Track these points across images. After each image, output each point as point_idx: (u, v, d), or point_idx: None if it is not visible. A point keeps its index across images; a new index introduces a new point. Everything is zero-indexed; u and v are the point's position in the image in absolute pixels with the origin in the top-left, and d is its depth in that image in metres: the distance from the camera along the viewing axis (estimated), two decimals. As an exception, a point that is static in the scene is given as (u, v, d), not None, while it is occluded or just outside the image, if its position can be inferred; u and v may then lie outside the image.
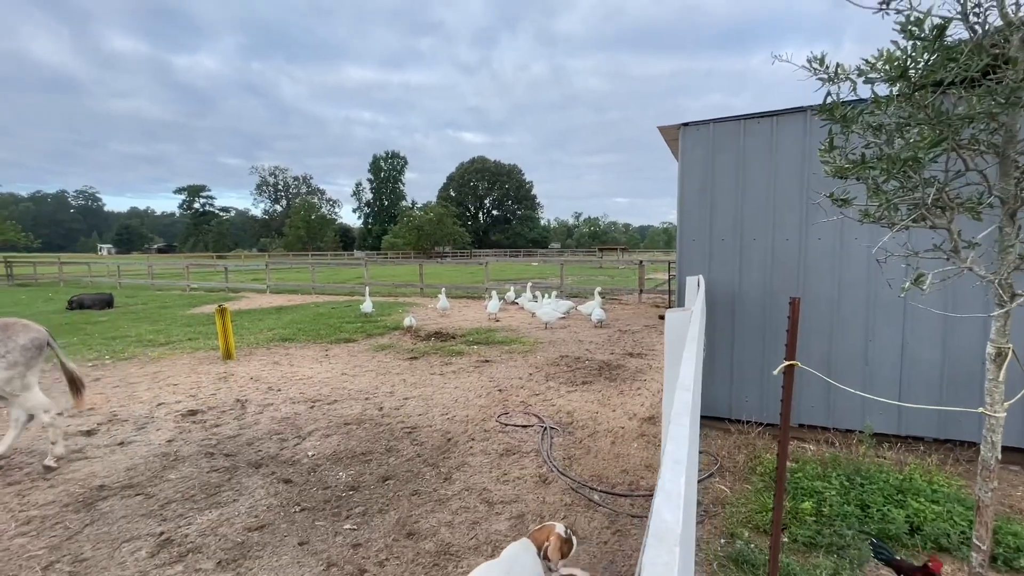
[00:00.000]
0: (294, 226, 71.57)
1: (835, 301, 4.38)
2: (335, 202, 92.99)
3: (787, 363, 2.23)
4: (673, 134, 4.99)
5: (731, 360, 4.77)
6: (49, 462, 4.22)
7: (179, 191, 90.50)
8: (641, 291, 16.01)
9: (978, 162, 1.85)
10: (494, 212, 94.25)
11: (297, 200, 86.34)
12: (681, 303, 4.68)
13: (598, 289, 12.05)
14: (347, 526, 3.32)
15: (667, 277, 16.46)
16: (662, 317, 12.52)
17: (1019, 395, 1.96)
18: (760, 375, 4.65)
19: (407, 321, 10.17)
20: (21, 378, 4.13)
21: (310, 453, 4.49)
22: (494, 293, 12.96)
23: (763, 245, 4.60)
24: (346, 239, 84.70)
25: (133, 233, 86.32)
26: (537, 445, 4.62)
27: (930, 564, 2.24)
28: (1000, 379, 1.82)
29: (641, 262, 17.43)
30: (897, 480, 3.37)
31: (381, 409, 5.68)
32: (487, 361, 7.94)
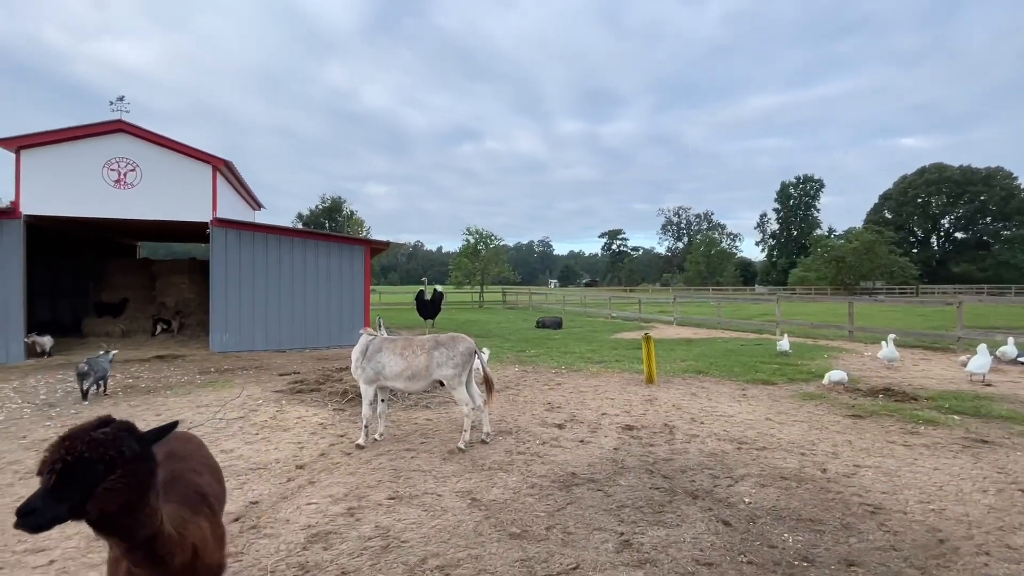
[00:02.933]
0: (694, 261, 73.75)
1: None
2: (736, 236, 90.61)
3: None
4: None
5: None
6: (460, 445, 5.38)
7: (602, 235, 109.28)
8: None
9: None
10: (957, 235, 69.70)
11: (698, 236, 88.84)
12: None
13: None
14: (808, 605, 2.84)
15: None
16: None
17: None
18: None
19: (835, 376, 8.22)
20: (459, 376, 5.51)
21: (746, 500, 4.20)
22: (983, 347, 9.26)
23: None
24: (747, 273, 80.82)
25: (570, 271, 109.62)
26: None
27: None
28: None
29: None
30: None
31: (825, 472, 4.81)
32: (985, 442, 5.62)
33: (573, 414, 6.91)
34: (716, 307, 21.04)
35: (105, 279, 16.91)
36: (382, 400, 5.90)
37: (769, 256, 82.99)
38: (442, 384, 5.66)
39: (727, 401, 7.63)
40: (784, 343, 11.93)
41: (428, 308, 19.05)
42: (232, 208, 14.66)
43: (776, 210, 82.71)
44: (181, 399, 7.79)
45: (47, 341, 11.57)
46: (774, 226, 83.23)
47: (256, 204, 19.96)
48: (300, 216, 62.32)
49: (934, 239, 71.32)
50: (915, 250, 68.06)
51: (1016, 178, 65.06)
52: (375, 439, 5.75)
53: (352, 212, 62.63)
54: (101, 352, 8.31)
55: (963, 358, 9.91)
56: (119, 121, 12.03)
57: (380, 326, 8.62)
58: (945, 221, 70.08)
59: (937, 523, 3.78)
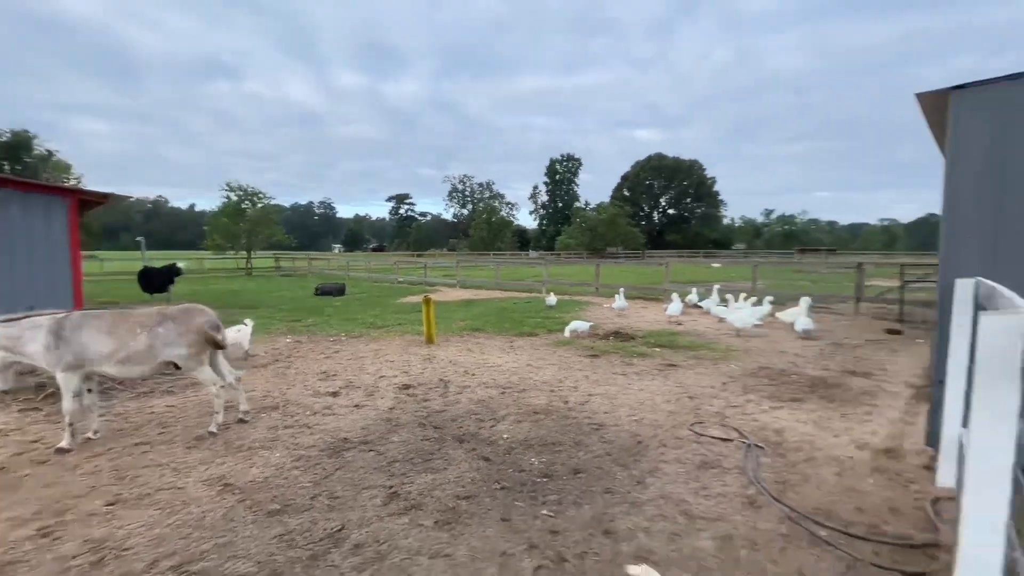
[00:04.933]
0: (477, 227, 78.21)
1: None
2: (513, 205, 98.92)
3: None
4: (939, 101, 3.99)
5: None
6: (212, 428, 4.76)
7: (389, 199, 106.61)
8: (860, 300, 13.45)
9: None
10: (670, 211, 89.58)
11: (481, 204, 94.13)
12: (944, 312, 3.74)
13: (804, 298, 10.45)
14: (544, 511, 3.40)
15: (899, 284, 13.50)
16: (891, 332, 10.32)
17: None
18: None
19: (573, 326, 9.70)
20: (197, 356, 4.69)
21: (504, 436, 4.75)
22: (675, 296, 12.23)
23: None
24: (522, 240, 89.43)
25: (356, 235, 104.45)
26: (740, 462, 4.15)
27: None
28: None
29: (860, 264, 14.62)
30: None
31: (567, 403, 5.75)
32: (673, 365, 7.49)
33: (350, 380, 6.73)
34: (495, 270, 22.84)
35: None
36: (89, 390, 4.73)
37: (540, 225, 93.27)
38: (177, 367, 4.76)
39: (497, 353, 8.43)
40: (551, 299, 13.92)
41: (153, 280, 15.81)
42: None
43: (546, 183, 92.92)
44: None
45: None
46: (544, 198, 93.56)
47: None
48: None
49: (656, 214, 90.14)
50: (643, 222, 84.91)
51: (706, 170, 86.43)
52: (89, 438, 4.62)
53: (50, 153, 47.35)
54: None
55: (666, 305, 12.92)
56: None
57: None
58: (663, 200, 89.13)
59: (637, 430, 4.91)
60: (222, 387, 4.92)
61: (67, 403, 4.43)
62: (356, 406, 5.65)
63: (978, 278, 3.52)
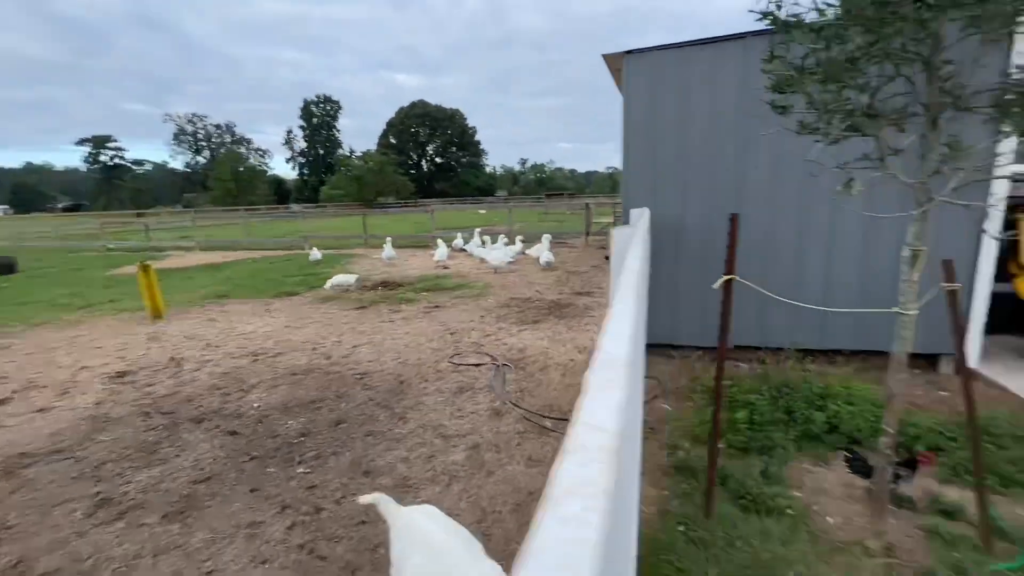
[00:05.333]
0: (220, 179, 66.34)
1: (770, 227, 4.58)
2: (265, 152, 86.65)
3: (727, 277, 2.31)
4: (617, 63, 4.88)
5: (675, 289, 4.95)
6: None
7: (81, 142, 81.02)
8: (588, 234, 16.22)
9: (904, 71, 1.90)
10: (437, 160, 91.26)
11: (222, 151, 79.67)
12: (626, 236, 4.75)
13: (546, 235, 12.08)
14: (300, 470, 3.27)
15: (612, 220, 16.73)
16: (608, 258, 12.80)
17: (929, 294, 2.13)
18: (701, 302, 4.86)
19: (336, 280, 9.27)
20: None
21: (256, 405, 4.34)
22: (440, 241, 12.72)
23: (704, 175, 4.69)
24: (281, 192, 79.76)
25: (32, 191, 77.31)
26: (490, 381, 4.69)
27: (919, 458, 2.49)
28: (914, 279, 1.96)
29: (588, 205, 17.56)
30: (819, 388, 3.68)
31: (329, 358, 5.54)
32: (437, 307, 7.87)
33: (29, 380, 5.14)
34: (246, 228, 19.92)
35: None
36: None
37: (301, 174, 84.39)
38: None
39: (249, 319, 7.51)
40: (315, 254, 13.06)
41: None
42: None
43: (302, 127, 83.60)
44: None
45: None
46: (302, 144, 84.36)
47: None
48: None
49: (424, 163, 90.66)
50: (413, 171, 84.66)
51: (467, 119, 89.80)
52: None
53: None
54: None
55: (433, 251, 13.36)
56: None
57: None
58: (430, 149, 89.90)
59: (401, 371, 5.07)
60: None
61: None
62: (39, 410, 4.38)
63: (645, 208, 4.56)
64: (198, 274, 12.32)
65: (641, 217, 3.42)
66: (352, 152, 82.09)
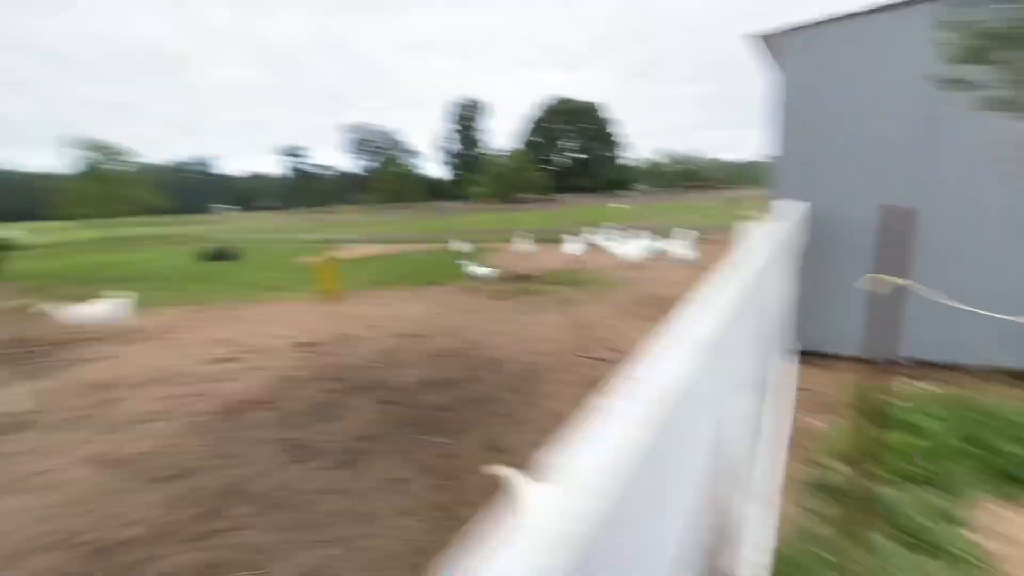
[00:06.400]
0: (384, 180, 74.88)
1: (960, 225, 3.84)
2: (420, 154, 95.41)
3: (887, 278, 2.05)
4: (771, 44, 4.48)
5: (835, 292, 4.42)
6: None
7: (281, 153, 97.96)
8: (733, 229, 14.99)
9: None
10: (577, 154, 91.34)
11: (385, 155, 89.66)
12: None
13: (685, 230, 11.48)
14: (439, 439, 3.68)
15: (758, 214, 15.21)
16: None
17: None
18: (868, 308, 4.26)
19: (477, 271, 10.07)
20: None
21: (408, 380, 4.94)
22: (577, 236, 12.85)
23: (877, 162, 4.10)
24: (433, 190, 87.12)
25: (247, 195, 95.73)
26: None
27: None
28: None
29: (734, 198, 16.19)
30: (1022, 418, 3.03)
31: (470, 343, 6.04)
32: (570, 300, 8.03)
33: (245, 345, 6.49)
34: (404, 224, 22.33)
35: None
36: None
37: (451, 174, 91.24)
38: None
39: (402, 304, 8.48)
40: (461, 247, 14.24)
41: None
42: None
43: (456, 130, 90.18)
44: None
45: None
46: (452, 146, 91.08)
47: None
48: None
49: (563, 157, 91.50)
50: (552, 167, 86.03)
51: (607, 112, 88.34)
52: None
53: None
54: None
55: (569, 246, 13.55)
56: None
57: None
58: (569, 143, 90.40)
59: (533, 360, 5.33)
60: None
61: None
62: (253, 368, 5.53)
63: (800, 202, 4.15)
64: (365, 264, 14.16)
65: (793, 212, 3.15)
66: (496, 151, 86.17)
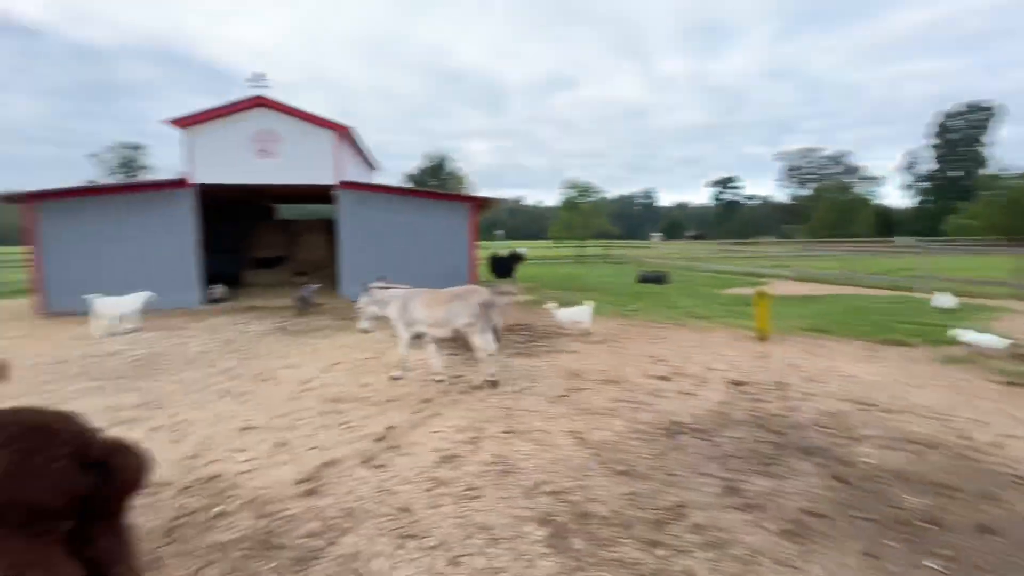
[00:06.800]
0: (821, 210, 65.90)
1: None
2: (874, 179, 78.82)
3: None
4: None
5: None
6: (489, 377, 6.12)
7: (710, 184, 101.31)
8: None
9: None
10: None
11: (827, 182, 78.82)
12: None
13: None
14: (929, 563, 2.78)
15: None
16: None
17: None
18: None
19: (983, 340, 7.13)
20: (474, 325, 5.92)
21: (866, 460, 4.04)
22: None
23: None
24: (885, 223, 70.51)
25: (675, 223, 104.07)
26: None
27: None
28: None
29: None
30: None
31: (967, 439, 4.42)
32: None
33: (677, 367, 6.92)
34: (845, 260, 18.93)
35: (256, 238, 19.63)
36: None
37: (920, 202, 71.45)
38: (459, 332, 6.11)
39: (850, 361, 7.10)
40: (944, 300, 11.13)
41: (499, 266, 18.13)
42: (353, 170, 15.96)
43: (934, 146, 70.19)
44: (324, 341, 9.04)
45: (220, 290, 13.87)
46: (927, 166, 70.98)
47: (373, 165, 21.42)
48: (408, 176, 65.47)
49: None
50: None
51: None
52: (489, 380, 6.24)
53: (455, 170, 64.51)
54: (308, 284, 12.35)
55: None
56: (259, 97, 13.53)
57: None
58: None
59: (1106, 502, 3.37)
60: (489, 354, 6.14)
61: (402, 348, 6.53)
62: (686, 393, 5.81)
63: None
64: (794, 304, 12.78)
65: None
66: (1007, 170, 61.73)
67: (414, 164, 66.07)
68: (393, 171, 68.85)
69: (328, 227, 19.01)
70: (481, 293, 6.17)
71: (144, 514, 3.36)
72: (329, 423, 5.04)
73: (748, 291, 14.79)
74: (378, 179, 21.87)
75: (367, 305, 6.68)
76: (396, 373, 6.62)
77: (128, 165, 59.94)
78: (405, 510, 3.42)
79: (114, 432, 4.78)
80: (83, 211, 12.80)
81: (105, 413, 5.31)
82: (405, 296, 6.45)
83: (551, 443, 4.48)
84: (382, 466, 4.07)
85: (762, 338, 8.51)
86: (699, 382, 6.23)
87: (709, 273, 23.80)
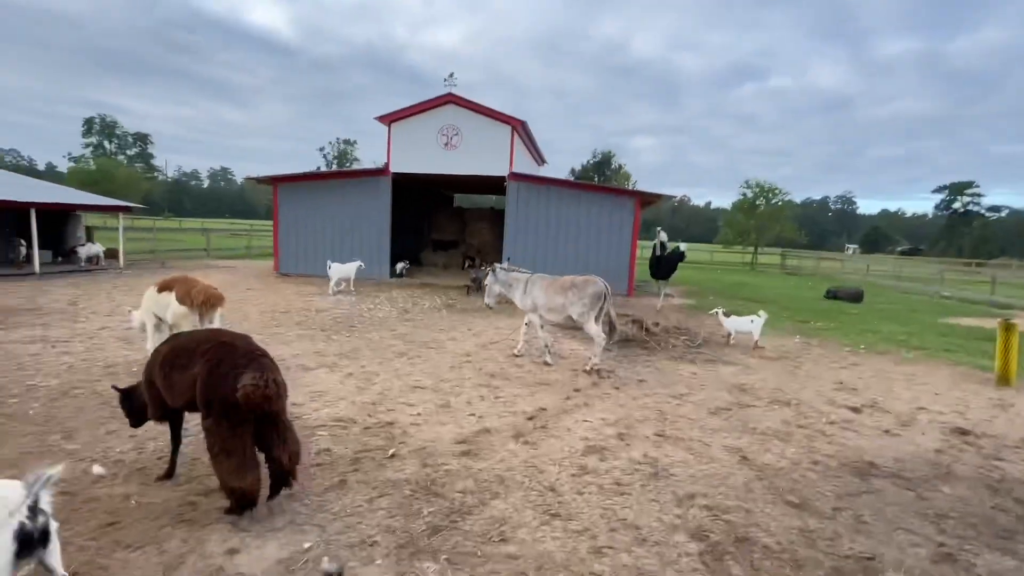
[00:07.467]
0: (1114, 229, 48.98)
1: None
2: None
3: None
4: None
5: None
6: (591, 366, 6.33)
7: (939, 190, 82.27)
8: None
9: None
10: None
11: None
12: None
13: None
14: None
15: None
16: None
17: None
18: None
19: None
20: (587, 313, 6.28)
21: None
22: None
23: None
24: None
25: (879, 234, 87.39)
26: None
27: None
28: None
29: None
30: None
31: None
32: None
33: (874, 400, 5.82)
34: None
35: (434, 222, 21.85)
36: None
37: None
38: (572, 318, 6.39)
39: None
40: None
41: (659, 267, 15.97)
42: (524, 163, 16.67)
43: None
44: (483, 321, 9.66)
45: (404, 266, 15.80)
46: None
47: (541, 160, 22.11)
48: (572, 171, 66.16)
49: None
50: None
51: None
52: (594, 369, 6.33)
53: (621, 166, 63.24)
54: (482, 267, 12.65)
55: None
56: (449, 94, 14.90)
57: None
58: None
59: None
60: (603, 342, 6.33)
61: (540, 333, 6.87)
62: (885, 431, 4.85)
63: None
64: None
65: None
66: None
67: (580, 160, 66.69)
68: (559, 166, 70.43)
69: (493, 216, 20.24)
70: (597, 284, 6.42)
71: (336, 443, 3.98)
72: (485, 395, 5.36)
73: (984, 322, 11.77)
74: (544, 173, 22.51)
75: (492, 284, 7.23)
76: (547, 358, 6.82)
77: (343, 157, 71.85)
78: (552, 490, 3.47)
79: (321, 372, 5.86)
80: (308, 193, 15.61)
81: (314, 356, 6.44)
82: (528, 280, 6.86)
83: (709, 456, 4.13)
84: (533, 444, 4.19)
85: (1004, 382, 6.68)
86: (903, 422, 5.14)
87: (925, 296, 19.53)
